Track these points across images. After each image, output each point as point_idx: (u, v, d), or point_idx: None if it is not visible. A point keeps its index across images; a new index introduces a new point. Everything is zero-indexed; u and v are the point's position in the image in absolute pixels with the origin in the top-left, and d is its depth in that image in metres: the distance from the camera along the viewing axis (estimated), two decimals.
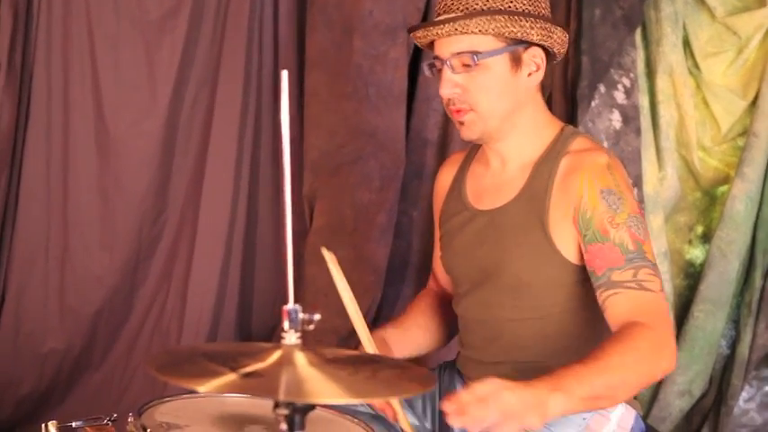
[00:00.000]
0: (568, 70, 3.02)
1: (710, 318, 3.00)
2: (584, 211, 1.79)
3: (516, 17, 1.82)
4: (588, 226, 1.79)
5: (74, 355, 3.28)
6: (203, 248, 3.25)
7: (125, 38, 3.25)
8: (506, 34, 1.82)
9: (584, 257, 1.81)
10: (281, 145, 1.37)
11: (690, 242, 3.15)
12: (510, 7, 1.82)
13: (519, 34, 1.82)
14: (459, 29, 1.81)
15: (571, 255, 1.82)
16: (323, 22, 3.13)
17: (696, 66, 3.06)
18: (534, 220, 1.84)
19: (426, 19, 3.10)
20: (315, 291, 3.07)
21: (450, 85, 1.84)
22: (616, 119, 3.05)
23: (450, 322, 2.13)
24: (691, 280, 3.11)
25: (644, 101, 3.09)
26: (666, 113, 3.06)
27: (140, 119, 3.26)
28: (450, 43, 1.83)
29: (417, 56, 3.17)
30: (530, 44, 1.85)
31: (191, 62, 3.27)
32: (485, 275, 1.91)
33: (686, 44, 3.06)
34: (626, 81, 3.05)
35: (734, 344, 3.06)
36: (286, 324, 1.40)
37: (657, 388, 3.05)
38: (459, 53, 1.82)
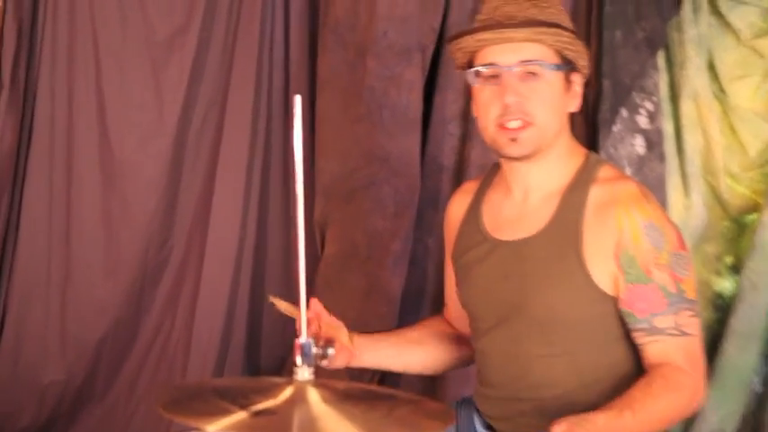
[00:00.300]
0: (589, 93, 3.02)
1: (742, 353, 2.97)
2: (627, 249, 1.80)
3: (576, 39, 1.87)
4: (632, 265, 1.79)
5: (75, 386, 3.28)
6: (211, 274, 3.25)
7: (131, 56, 3.28)
8: (567, 53, 1.86)
9: (621, 295, 1.81)
10: (295, 172, 1.38)
11: (718, 273, 3.13)
12: (569, 26, 1.87)
13: (574, 56, 1.87)
14: (534, 37, 1.83)
15: (608, 287, 1.82)
16: (335, 43, 3.14)
17: (722, 90, 3.05)
18: (568, 250, 1.83)
19: (443, 39, 3.10)
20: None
21: (515, 93, 1.83)
22: (639, 144, 3.04)
23: (459, 356, 2.12)
24: (720, 313, 3.09)
25: (668, 126, 3.07)
26: (692, 139, 3.05)
27: (147, 140, 3.28)
28: (519, 50, 1.84)
29: (432, 78, 3.18)
30: (575, 69, 1.90)
31: (199, 81, 3.29)
32: (511, 309, 1.89)
33: (711, 67, 3.06)
34: (649, 105, 3.04)
35: (766, 380, 3.03)
36: (299, 359, 1.40)
37: (688, 426, 3.01)
38: (527, 61, 1.84)
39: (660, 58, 3.07)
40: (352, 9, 3.12)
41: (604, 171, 1.90)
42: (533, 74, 1.84)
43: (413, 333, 2.10)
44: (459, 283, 2.03)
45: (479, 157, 3.08)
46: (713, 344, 3.04)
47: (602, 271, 1.81)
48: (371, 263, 3.11)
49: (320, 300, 3.04)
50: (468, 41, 1.87)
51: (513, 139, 1.85)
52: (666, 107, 3.08)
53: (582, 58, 1.89)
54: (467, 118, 3.12)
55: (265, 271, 3.35)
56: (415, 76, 3.10)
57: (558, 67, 1.85)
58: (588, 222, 1.83)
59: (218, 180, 3.28)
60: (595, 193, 1.86)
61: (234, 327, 3.27)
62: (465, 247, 2.01)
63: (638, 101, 3.03)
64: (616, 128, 3.01)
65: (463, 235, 2.03)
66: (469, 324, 2.03)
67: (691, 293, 1.79)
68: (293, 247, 3.33)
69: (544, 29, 1.83)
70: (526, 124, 1.84)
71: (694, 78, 3.02)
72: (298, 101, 1.31)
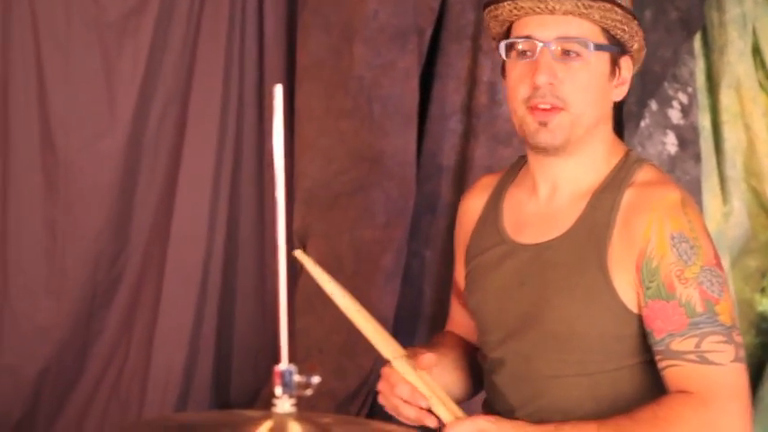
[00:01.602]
0: None
1: None
2: (650, 259, 1.81)
3: (630, 17, 1.88)
4: (653, 277, 1.81)
5: (11, 424, 3.26)
6: (172, 294, 3.24)
7: (77, 41, 3.26)
8: (617, 33, 1.88)
9: (642, 312, 1.83)
10: (272, 176, 1.38)
11: (762, 291, 3.15)
12: (624, 3, 1.88)
13: (626, 37, 1.89)
14: (579, 10, 1.85)
15: (632, 303, 1.84)
16: (318, 25, 3.15)
17: None
18: (591, 258, 1.85)
19: (442, 21, 3.12)
20: (308, 345, 3.07)
21: (549, 73, 1.85)
22: (671, 142, 3.06)
23: (475, 375, 2.13)
24: (764, 337, 3.11)
25: (705, 120, 3.10)
26: (732, 136, 3.07)
27: (96, 138, 3.26)
28: (559, 24, 1.86)
29: (430, 66, 3.19)
30: (625, 52, 1.91)
31: (157, 70, 3.28)
32: (525, 322, 1.91)
33: (756, 52, 3.08)
34: (683, 97, 3.06)
35: None
36: (278, 389, 1.41)
37: None
38: (567, 37, 1.86)
39: (696, 42, 3.09)
40: None
41: (644, 173, 1.92)
42: (573, 53, 1.86)
43: (452, 353, 2.10)
44: (469, 289, 2.05)
45: (484, 157, 3.09)
46: (757, 372, 3.06)
47: (627, 285, 1.84)
48: (359, 279, 3.12)
49: (301, 322, 3.08)
50: (505, 9, 1.89)
51: (543, 123, 1.87)
52: (703, 99, 3.10)
53: (635, 41, 1.90)
54: (470, 112, 3.13)
55: (236, 290, 3.34)
56: (410, 64, 3.12)
57: (603, 48, 1.87)
58: (617, 228, 1.86)
59: (179, 186, 3.27)
60: (630, 197, 1.88)
61: (199, 355, 3.26)
62: (480, 249, 2.02)
63: (670, 92, 3.05)
64: (644, 123, 3.03)
65: (479, 235, 2.04)
66: (478, 338, 2.05)
67: (726, 318, 1.79)
68: (267, 262, 3.33)
69: (592, 2, 1.84)
70: (557, 110, 1.86)
71: (736, 65, 3.04)
72: (279, 91, 1.32)
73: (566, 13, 1.85)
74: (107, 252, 3.29)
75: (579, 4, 1.85)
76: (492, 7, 1.92)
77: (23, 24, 3.24)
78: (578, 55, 1.86)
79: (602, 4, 1.85)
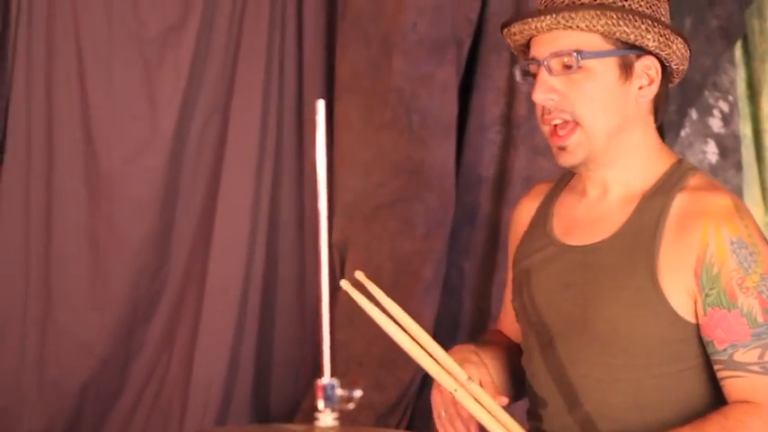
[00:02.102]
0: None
1: None
2: (710, 266, 1.79)
3: (631, 16, 1.84)
4: (714, 285, 1.79)
5: None
6: (212, 309, 3.26)
7: (120, 56, 3.29)
8: (617, 35, 1.84)
9: (701, 320, 1.81)
10: (313, 188, 1.38)
11: None
12: (624, 5, 1.85)
13: (632, 37, 1.84)
14: (563, 22, 1.83)
15: (682, 308, 1.82)
16: (357, 38, 3.16)
17: None
18: (640, 260, 1.84)
19: (481, 32, 3.11)
20: (347, 359, 3.06)
21: (546, 89, 1.85)
22: (711, 151, 3.04)
23: (519, 378, 2.11)
24: None
25: (746, 129, 3.08)
26: None
27: (138, 153, 3.29)
28: (549, 40, 1.85)
29: (469, 77, 3.19)
30: (644, 52, 1.87)
31: (198, 85, 3.31)
32: (569, 324, 1.90)
33: None
34: (723, 105, 3.04)
35: None
36: (321, 403, 1.40)
37: None
38: (558, 52, 1.84)
39: (737, 51, 3.07)
40: None
41: (697, 179, 1.89)
42: (573, 65, 1.84)
43: (499, 352, 2.08)
44: (515, 291, 2.04)
45: (524, 168, 3.08)
46: None
47: (678, 289, 1.82)
48: (399, 291, 3.11)
49: (341, 335, 3.08)
50: (506, 35, 1.92)
51: (562, 148, 1.87)
52: (744, 107, 3.08)
53: (647, 37, 1.84)
54: (509, 122, 3.13)
55: (276, 304, 3.35)
56: (448, 75, 3.11)
57: (603, 54, 1.84)
58: (668, 232, 1.84)
59: (220, 199, 3.29)
60: (681, 201, 1.86)
61: (239, 368, 3.27)
62: (528, 252, 2.02)
63: (710, 101, 3.04)
64: (684, 132, 3.02)
65: (528, 238, 2.04)
66: (522, 342, 2.04)
67: None
68: (307, 275, 3.33)
69: (574, 13, 1.82)
70: (568, 124, 1.85)
71: None
72: (321, 106, 1.31)
73: (549, 29, 1.84)
74: (148, 267, 3.31)
75: (559, 17, 1.83)
76: (504, 31, 1.95)
77: (67, 40, 3.28)
78: (579, 67, 1.84)
79: (585, 12, 1.82)
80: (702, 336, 1.81)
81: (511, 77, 3.12)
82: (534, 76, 1.89)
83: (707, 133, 3.05)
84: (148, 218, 3.29)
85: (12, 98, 3.29)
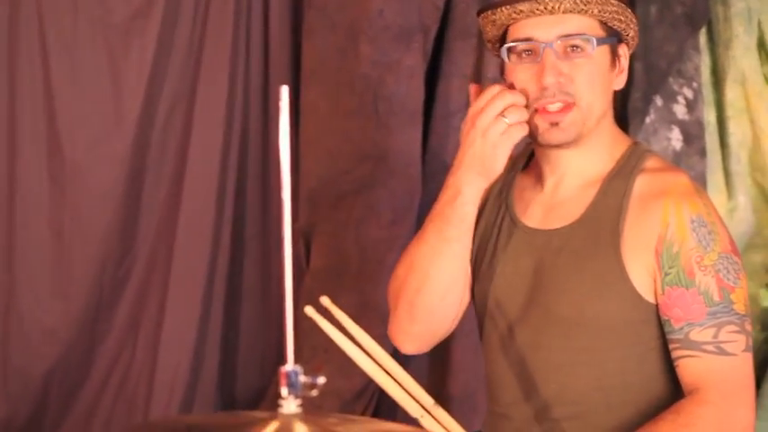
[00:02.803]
0: None
1: None
2: (671, 244, 1.80)
3: (624, 7, 1.89)
4: (673, 263, 1.80)
5: (18, 425, 3.26)
6: (178, 295, 3.24)
7: (84, 41, 3.26)
8: (615, 24, 1.89)
9: (659, 299, 1.82)
10: (278, 175, 1.37)
11: (767, 286, 3.14)
12: None
13: (623, 26, 1.90)
14: (580, 6, 1.84)
15: (643, 288, 1.83)
16: (323, 25, 3.15)
17: None
18: (604, 243, 1.85)
19: (447, 19, 3.11)
20: (313, 345, 3.05)
21: (555, 72, 1.84)
22: (676, 137, 3.05)
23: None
24: None
25: (710, 116, 3.09)
26: (737, 131, 3.07)
27: (103, 139, 3.27)
28: (558, 22, 1.85)
29: (435, 64, 3.18)
30: (621, 41, 1.92)
31: (164, 71, 3.28)
32: (532, 306, 1.90)
33: (762, 47, 3.07)
34: (688, 92, 3.06)
35: None
36: (284, 390, 1.39)
37: None
38: (569, 35, 1.85)
39: (702, 37, 3.08)
40: None
41: (653, 161, 1.92)
42: (576, 49, 1.86)
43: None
44: (475, 274, 2.02)
45: None
46: (762, 368, 3.05)
47: (640, 270, 1.82)
48: (364, 278, 3.11)
49: (307, 322, 3.05)
50: (503, 13, 1.88)
51: (555, 124, 1.86)
52: (708, 94, 3.09)
53: (630, 28, 1.91)
54: None
55: (241, 289, 3.34)
56: (415, 62, 3.11)
57: (604, 41, 1.88)
58: (631, 214, 1.85)
59: (185, 186, 3.27)
60: (641, 183, 1.87)
61: (205, 355, 3.26)
62: (488, 233, 2.01)
63: (675, 87, 3.05)
64: (649, 119, 3.02)
65: (486, 218, 2.02)
66: (481, 324, 2.02)
67: (740, 306, 1.79)
68: (272, 262, 3.33)
69: None
70: (568, 106, 1.85)
71: (742, 59, 3.03)
72: (285, 92, 1.30)
73: (565, 11, 1.85)
74: (113, 253, 3.29)
75: (578, 0, 1.84)
76: (488, 12, 1.91)
77: (30, 26, 3.25)
78: (581, 50, 1.86)
79: None
80: (660, 315, 1.82)
81: (477, 64, 3.12)
82: (524, 55, 1.87)
83: (671, 120, 3.06)
84: (113, 205, 3.27)
85: None
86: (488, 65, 3.10)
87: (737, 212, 3.09)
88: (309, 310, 1.72)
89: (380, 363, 1.73)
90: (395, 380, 1.73)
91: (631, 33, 1.92)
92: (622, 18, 1.89)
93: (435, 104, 3.18)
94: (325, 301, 1.72)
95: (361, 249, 3.12)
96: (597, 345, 1.85)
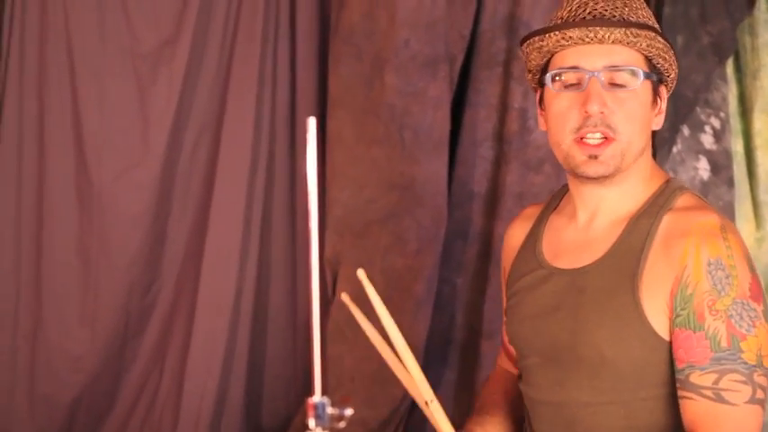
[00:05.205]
0: None
1: None
2: (686, 286, 1.79)
3: (669, 47, 1.89)
4: (686, 305, 1.78)
5: None
6: (204, 323, 3.24)
7: (112, 70, 3.28)
8: (659, 62, 1.89)
9: (671, 340, 1.81)
10: (304, 204, 1.38)
11: None
12: (662, 34, 1.89)
13: (666, 66, 1.90)
14: (630, 37, 1.84)
15: (662, 329, 1.82)
16: (349, 54, 3.15)
17: None
18: (624, 282, 1.83)
19: (473, 48, 3.11)
20: (339, 374, 3.05)
21: (601, 101, 1.84)
22: (703, 167, 3.04)
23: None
24: None
25: (737, 145, 3.08)
26: (765, 160, 3.05)
27: (130, 168, 3.28)
28: (606, 53, 1.85)
29: (461, 93, 3.18)
30: (661, 81, 1.92)
31: (191, 100, 3.30)
32: (558, 348, 1.90)
33: None
34: (715, 122, 3.04)
35: None
36: (311, 421, 1.39)
37: None
38: (616, 66, 1.85)
39: (729, 67, 3.07)
40: (369, 14, 3.14)
41: (684, 199, 1.90)
42: (621, 82, 1.85)
43: (502, 412, 2.10)
44: (508, 314, 2.04)
45: (516, 183, 3.08)
46: None
47: (658, 311, 1.81)
48: (390, 307, 3.06)
49: (333, 350, 3.07)
50: (551, 39, 1.88)
51: (594, 157, 1.86)
52: (736, 124, 3.08)
53: (672, 70, 1.92)
54: (501, 138, 3.13)
55: (267, 318, 3.34)
56: (441, 92, 3.11)
57: (649, 76, 1.87)
58: (653, 253, 1.84)
59: (212, 214, 3.28)
60: (667, 223, 1.86)
61: (231, 384, 3.26)
62: (518, 275, 2.02)
63: (702, 117, 3.03)
64: (676, 149, 3.01)
65: (519, 261, 2.04)
66: (517, 363, 2.03)
67: (750, 356, 1.75)
68: (299, 290, 3.33)
69: (639, 30, 1.84)
70: (608, 140, 1.84)
71: None
72: (312, 123, 1.31)
73: (614, 42, 1.85)
74: (140, 281, 3.30)
75: (628, 32, 1.84)
76: (536, 38, 1.91)
77: (59, 55, 3.27)
78: (626, 84, 1.85)
79: (647, 32, 1.86)
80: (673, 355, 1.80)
81: (503, 93, 3.12)
82: (568, 85, 1.88)
83: (699, 150, 3.04)
84: (140, 233, 3.28)
85: (3, 112, 3.28)
86: (514, 94, 3.10)
87: (766, 242, 3.07)
88: (345, 297, 1.77)
89: (400, 355, 1.79)
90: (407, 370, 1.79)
91: (672, 75, 1.92)
92: (666, 57, 1.89)
93: (461, 133, 3.18)
94: (361, 274, 1.76)
95: (387, 279, 3.11)
96: (622, 385, 1.84)
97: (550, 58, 1.91)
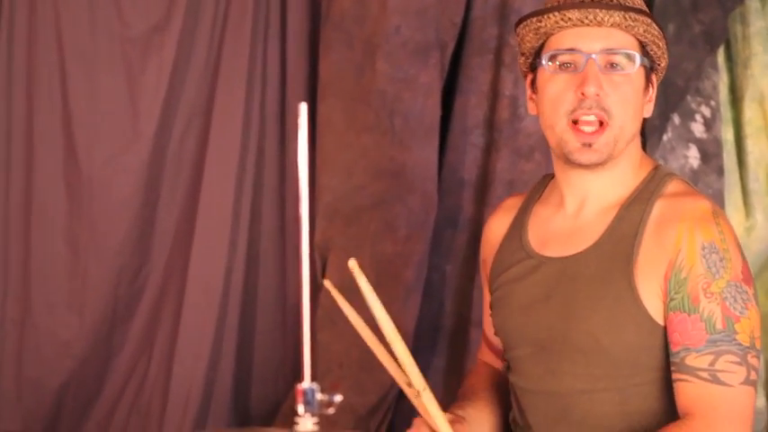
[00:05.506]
0: None
1: None
2: (680, 270, 1.80)
3: (662, 36, 1.91)
4: (680, 289, 1.79)
5: None
6: (193, 309, 3.24)
7: (102, 56, 3.27)
8: (653, 49, 1.90)
9: (665, 323, 1.81)
10: (295, 190, 1.37)
11: None
12: (656, 22, 1.90)
13: (659, 54, 1.92)
14: (629, 21, 1.85)
15: (657, 313, 1.82)
16: (340, 40, 3.15)
17: None
18: (618, 268, 1.84)
19: (464, 35, 3.11)
20: (328, 360, 3.06)
21: (597, 83, 1.84)
22: (693, 155, 3.05)
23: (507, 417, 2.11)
24: None
25: (728, 134, 3.08)
26: (755, 149, 3.06)
27: (119, 153, 3.27)
28: (604, 36, 1.86)
29: (452, 80, 3.18)
30: (653, 69, 1.93)
31: (181, 86, 3.29)
32: (552, 336, 1.89)
33: None
34: (705, 110, 3.05)
35: None
36: (300, 407, 1.39)
37: None
38: (612, 49, 1.86)
39: (720, 56, 3.08)
40: (360, 1, 3.13)
41: (674, 185, 1.91)
42: (618, 66, 1.86)
43: (484, 399, 2.09)
44: (494, 307, 2.03)
45: (506, 171, 3.08)
46: None
47: (653, 295, 1.82)
48: (380, 293, 3.07)
49: (322, 336, 3.07)
50: (549, 20, 1.88)
51: (588, 145, 1.86)
52: (726, 113, 3.08)
53: (663, 58, 1.94)
54: (491, 126, 3.13)
55: (256, 304, 3.33)
56: (432, 78, 3.11)
57: (643, 62, 1.88)
58: (646, 239, 1.84)
59: (202, 200, 3.27)
60: (659, 208, 1.87)
61: (220, 369, 3.25)
62: (504, 266, 2.01)
63: (692, 106, 3.04)
64: (666, 137, 3.02)
65: (503, 252, 2.03)
66: (505, 355, 2.03)
67: (744, 337, 1.77)
68: (288, 276, 3.33)
69: (637, 15, 1.85)
70: (603, 124, 1.85)
71: (760, 78, 3.02)
72: (303, 109, 1.30)
73: (613, 25, 1.85)
74: (129, 266, 3.29)
75: (627, 16, 1.85)
76: (534, 19, 1.91)
77: (48, 40, 3.26)
78: (622, 68, 1.86)
79: (644, 18, 1.87)
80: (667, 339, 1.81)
81: (494, 80, 3.12)
82: (563, 67, 1.88)
83: (689, 138, 3.05)
84: (129, 218, 3.27)
85: None
86: (505, 81, 3.10)
87: (755, 231, 3.08)
88: (327, 284, 1.76)
89: (392, 345, 1.76)
90: (397, 359, 1.77)
91: (663, 64, 1.94)
92: (660, 45, 1.90)
93: (452, 121, 3.18)
94: (353, 264, 1.74)
95: (377, 265, 3.11)
96: (617, 371, 1.85)
97: (546, 41, 1.90)
